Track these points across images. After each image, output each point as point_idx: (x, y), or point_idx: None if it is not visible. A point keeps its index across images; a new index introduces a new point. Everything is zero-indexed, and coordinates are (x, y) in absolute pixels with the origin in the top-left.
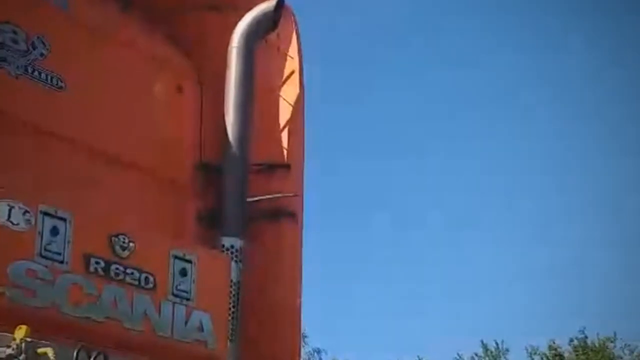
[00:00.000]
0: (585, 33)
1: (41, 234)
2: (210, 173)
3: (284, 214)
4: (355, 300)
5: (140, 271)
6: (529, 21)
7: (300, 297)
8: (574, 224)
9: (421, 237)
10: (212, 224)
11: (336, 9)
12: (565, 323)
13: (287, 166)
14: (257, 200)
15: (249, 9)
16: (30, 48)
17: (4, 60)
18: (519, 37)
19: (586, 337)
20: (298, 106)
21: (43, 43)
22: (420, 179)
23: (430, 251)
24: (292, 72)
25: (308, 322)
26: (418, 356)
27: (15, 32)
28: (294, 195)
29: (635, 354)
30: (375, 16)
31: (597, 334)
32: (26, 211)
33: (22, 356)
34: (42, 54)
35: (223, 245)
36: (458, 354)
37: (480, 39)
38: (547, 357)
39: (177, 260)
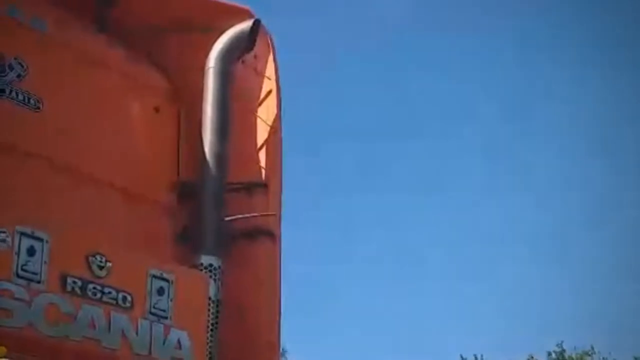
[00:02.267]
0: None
1: (18, 254)
2: (188, 192)
3: (263, 233)
4: (349, 303)
5: (118, 290)
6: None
7: (279, 314)
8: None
9: (420, 239)
10: (190, 242)
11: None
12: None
13: (264, 185)
14: (235, 219)
15: (226, 30)
16: (8, 70)
17: None
18: (519, 38)
19: (564, 350)
20: (275, 126)
21: (21, 64)
22: (421, 178)
23: (429, 251)
24: (269, 92)
25: (299, 328)
26: None
27: None
28: (272, 215)
29: None
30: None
31: (575, 348)
32: (2, 232)
33: None
34: (19, 75)
35: (202, 264)
36: None
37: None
38: None
39: (154, 279)
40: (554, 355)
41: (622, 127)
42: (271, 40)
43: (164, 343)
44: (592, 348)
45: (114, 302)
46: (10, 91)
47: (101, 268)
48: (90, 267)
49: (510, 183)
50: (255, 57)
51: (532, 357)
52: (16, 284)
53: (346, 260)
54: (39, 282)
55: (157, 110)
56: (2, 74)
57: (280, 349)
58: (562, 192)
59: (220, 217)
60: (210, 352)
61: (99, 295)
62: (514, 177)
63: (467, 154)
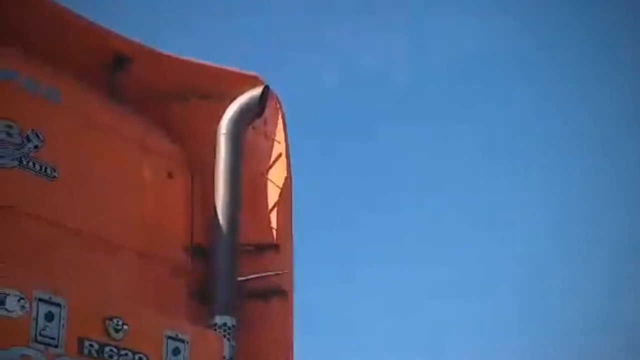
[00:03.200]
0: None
1: (36, 320)
2: (202, 254)
3: (275, 292)
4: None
5: (134, 352)
6: None
7: None
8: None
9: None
10: (204, 302)
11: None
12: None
13: (276, 246)
14: (248, 279)
15: (235, 97)
16: (25, 141)
17: None
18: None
19: None
20: (285, 188)
21: (37, 135)
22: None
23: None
24: (279, 156)
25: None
26: None
27: (10, 127)
28: (283, 273)
29: None
30: None
31: None
32: (21, 298)
33: None
34: (36, 146)
35: (216, 324)
36: None
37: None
38: None
39: (170, 340)
40: None
41: (622, 127)
42: (280, 104)
43: None
44: None
45: None
46: (28, 162)
47: (117, 331)
48: (107, 330)
49: (510, 183)
50: (265, 122)
51: None
52: (35, 349)
53: (346, 258)
54: (56, 346)
55: (170, 175)
56: (20, 146)
57: None
58: (562, 192)
59: (233, 278)
60: None
61: (115, 357)
62: (514, 177)
63: (467, 154)
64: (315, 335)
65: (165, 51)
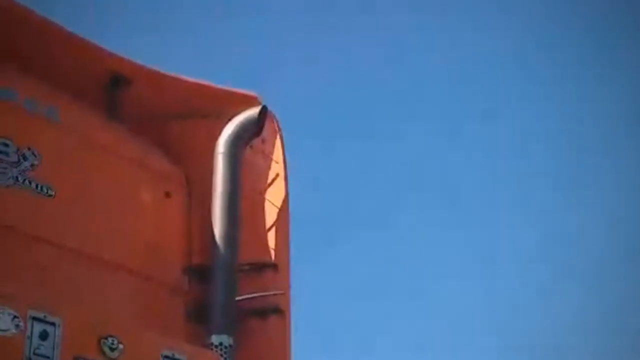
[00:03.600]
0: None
1: (30, 339)
2: (199, 274)
3: (273, 311)
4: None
5: None
6: None
7: None
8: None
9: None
10: (201, 322)
11: None
12: None
13: (274, 266)
14: (245, 299)
15: (233, 116)
16: (22, 160)
17: None
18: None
19: None
20: (283, 207)
21: (34, 154)
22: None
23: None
24: (277, 175)
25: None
26: None
27: (6, 145)
28: (281, 293)
29: None
30: None
31: None
32: (15, 317)
33: None
34: (32, 165)
35: (212, 343)
36: None
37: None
38: None
39: None
40: None
41: (622, 127)
42: (278, 123)
43: None
44: None
45: None
46: (24, 180)
47: (113, 350)
48: (102, 350)
49: (511, 183)
50: (263, 141)
51: None
52: None
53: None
54: None
55: (168, 194)
56: (17, 164)
57: None
58: (562, 192)
59: (231, 297)
60: None
61: None
62: (514, 177)
63: (467, 154)
64: (314, 336)
65: (164, 71)
